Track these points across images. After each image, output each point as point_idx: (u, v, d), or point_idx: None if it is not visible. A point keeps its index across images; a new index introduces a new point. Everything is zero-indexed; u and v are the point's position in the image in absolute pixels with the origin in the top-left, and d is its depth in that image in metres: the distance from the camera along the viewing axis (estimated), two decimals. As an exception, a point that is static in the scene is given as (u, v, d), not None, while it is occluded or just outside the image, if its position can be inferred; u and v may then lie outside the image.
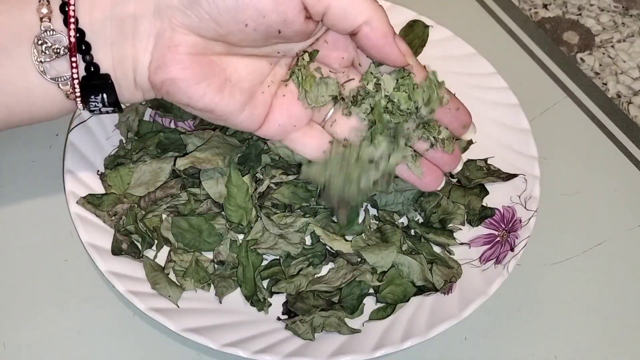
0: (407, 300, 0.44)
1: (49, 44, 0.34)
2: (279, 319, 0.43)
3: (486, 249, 0.47)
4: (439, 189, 0.43)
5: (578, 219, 0.52)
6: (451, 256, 0.46)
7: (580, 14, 0.68)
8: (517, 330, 0.46)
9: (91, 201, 0.45)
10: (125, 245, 0.44)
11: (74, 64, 0.35)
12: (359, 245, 0.45)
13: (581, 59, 0.65)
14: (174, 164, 0.46)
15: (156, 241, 0.45)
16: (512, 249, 0.46)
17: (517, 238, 0.46)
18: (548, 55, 0.62)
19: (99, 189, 0.46)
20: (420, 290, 0.45)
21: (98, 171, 0.47)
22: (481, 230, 0.48)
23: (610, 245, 0.50)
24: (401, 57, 0.38)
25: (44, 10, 0.34)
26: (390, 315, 0.43)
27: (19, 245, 0.46)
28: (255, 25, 0.35)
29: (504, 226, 0.48)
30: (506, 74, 0.55)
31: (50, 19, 0.34)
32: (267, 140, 0.46)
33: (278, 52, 0.39)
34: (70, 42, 0.34)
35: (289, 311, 0.43)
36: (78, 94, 0.36)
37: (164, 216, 0.46)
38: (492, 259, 0.46)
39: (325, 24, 0.37)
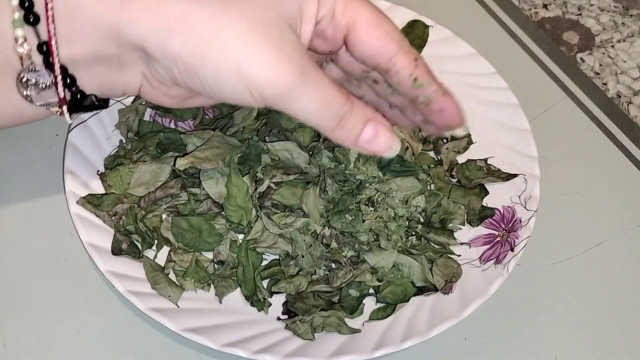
0: (407, 301, 0.44)
1: (33, 81, 0.33)
2: (279, 318, 0.43)
3: (486, 249, 0.47)
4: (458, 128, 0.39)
5: (578, 219, 0.52)
6: (451, 256, 0.46)
7: (580, 14, 0.68)
8: (517, 330, 0.46)
9: (91, 201, 0.45)
10: (125, 245, 0.44)
11: (60, 95, 0.33)
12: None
13: (581, 59, 0.65)
14: (174, 164, 0.46)
15: (156, 241, 0.45)
16: (512, 249, 0.46)
17: (517, 238, 0.46)
18: (548, 55, 0.62)
19: (99, 189, 0.46)
20: (420, 291, 0.45)
21: (98, 171, 0.47)
22: (481, 230, 0.48)
23: (610, 245, 0.50)
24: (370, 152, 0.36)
25: (22, 50, 0.32)
26: (390, 316, 0.43)
27: (19, 245, 0.46)
28: (217, 97, 0.34)
29: (504, 226, 0.48)
30: (506, 74, 0.55)
31: (30, 57, 0.32)
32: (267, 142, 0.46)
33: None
34: (55, 79, 0.33)
35: (289, 311, 0.43)
36: (67, 116, 0.35)
37: (164, 216, 0.46)
38: (492, 259, 0.46)
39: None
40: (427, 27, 0.55)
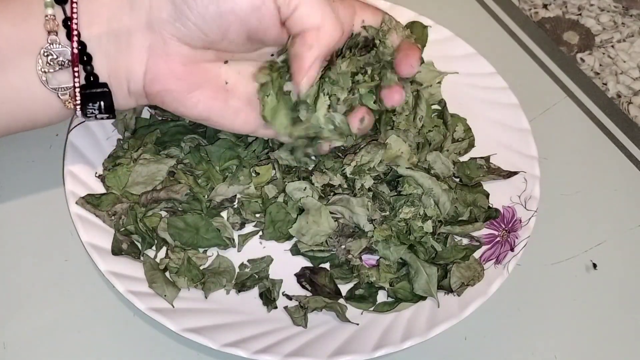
0: (416, 301, 0.44)
1: (54, 56, 0.37)
2: (284, 294, 0.44)
3: (486, 249, 0.47)
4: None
5: (578, 219, 0.52)
6: (477, 258, 0.46)
7: (580, 14, 0.68)
8: (517, 330, 0.46)
9: (90, 201, 0.45)
10: (125, 245, 0.44)
11: (76, 74, 0.37)
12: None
13: (581, 59, 0.65)
14: (173, 165, 0.46)
15: (156, 241, 0.45)
16: (512, 249, 0.46)
17: (517, 238, 0.46)
18: (548, 55, 0.62)
19: (99, 189, 0.46)
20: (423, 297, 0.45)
21: (96, 173, 0.47)
22: (481, 230, 0.48)
23: (610, 245, 0.50)
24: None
25: (51, 25, 0.36)
26: (392, 312, 0.43)
27: (19, 245, 0.46)
28: (237, 33, 0.38)
29: (504, 226, 0.48)
30: (506, 74, 0.55)
31: (57, 33, 0.36)
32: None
33: (272, 55, 0.42)
34: (73, 54, 0.37)
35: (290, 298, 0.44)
36: (78, 102, 0.38)
37: (163, 214, 0.46)
38: (492, 259, 0.46)
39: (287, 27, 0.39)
40: (426, 27, 0.55)
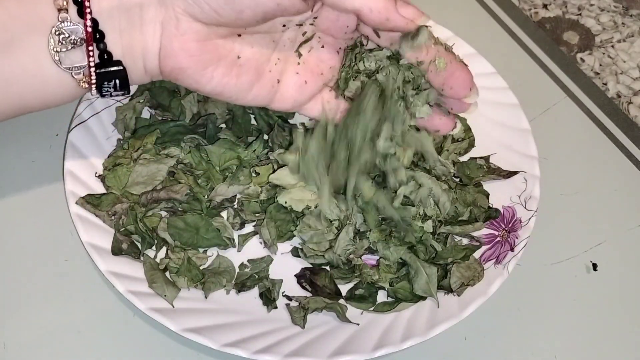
0: (416, 301, 0.44)
1: (66, 35, 0.35)
2: (285, 296, 0.44)
3: (486, 249, 0.47)
4: (454, 131, 0.44)
5: (578, 219, 0.52)
6: (477, 258, 0.46)
7: (580, 14, 0.68)
8: (517, 330, 0.46)
9: (90, 201, 0.45)
10: (125, 245, 0.44)
11: (90, 53, 0.36)
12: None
13: (581, 59, 0.65)
14: (173, 164, 0.46)
15: (156, 241, 0.45)
16: (512, 249, 0.46)
17: (517, 238, 0.46)
18: (548, 55, 0.62)
19: (99, 189, 0.46)
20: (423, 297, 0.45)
21: (96, 173, 0.47)
22: (481, 230, 0.48)
23: (610, 245, 0.50)
24: (408, 24, 0.38)
25: (62, 2, 0.35)
26: (392, 312, 0.43)
27: (19, 245, 0.46)
28: (252, 13, 0.37)
29: (504, 226, 0.48)
30: (506, 74, 0.55)
31: (67, 10, 0.35)
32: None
33: (283, 25, 0.41)
34: (87, 32, 0.36)
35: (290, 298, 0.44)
36: (94, 82, 0.37)
37: (163, 214, 0.46)
38: (492, 259, 0.46)
39: (326, 4, 0.38)
40: (426, 27, 0.55)
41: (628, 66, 0.64)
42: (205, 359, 0.42)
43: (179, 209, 0.46)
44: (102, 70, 0.37)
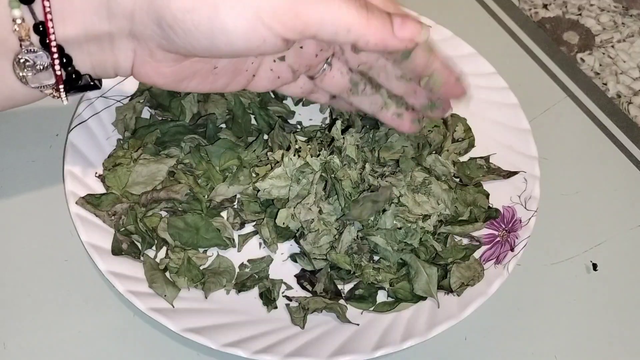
0: (416, 302, 0.44)
1: (31, 62, 0.34)
2: (285, 296, 0.44)
3: (486, 249, 0.47)
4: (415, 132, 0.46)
5: (578, 219, 0.52)
6: (477, 258, 0.46)
7: (580, 14, 0.68)
8: (517, 330, 0.46)
9: (90, 201, 0.45)
10: (125, 245, 0.44)
11: (57, 74, 0.34)
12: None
13: (581, 59, 0.65)
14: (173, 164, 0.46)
15: (156, 241, 0.45)
16: (512, 249, 0.46)
17: (517, 238, 0.46)
18: (548, 55, 0.62)
19: (99, 189, 0.46)
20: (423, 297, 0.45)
21: (96, 173, 0.47)
22: (481, 230, 0.48)
23: (610, 245, 0.50)
24: (408, 44, 0.36)
25: (21, 31, 0.33)
26: (392, 312, 0.43)
27: (19, 246, 0.46)
28: (230, 56, 0.36)
29: (504, 226, 0.48)
30: (506, 74, 0.55)
31: (29, 37, 0.33)
32: None
33: None
34: (53, 58, 0.34)
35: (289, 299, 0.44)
36: (64, 97, 0.36)
37: (163, 214, 0.46)
38: (492, 259, 0.46)
39: (318, 39, 0.35)
40: (426, 27, 0.55)
41: (628, 66, 0.64)
42: (205, 359, 0.42)
43: (179, 209, 0.46)
44: (71, 86, 0.36)
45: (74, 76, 0.35)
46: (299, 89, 0.45)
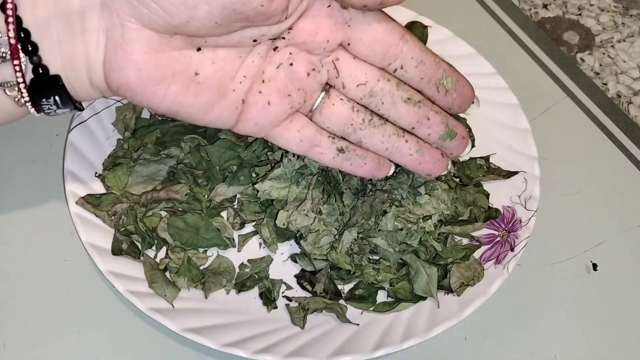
0: (416, 301, 0.44)
1: None
2: (284, 296, 0.44)
3: (486, 249, 0.47)
4: (443, 172, 0.41)
5: (578, 219, 0.52)
6: (477, 258, 0.46)
7: (580, 14, 0.68)
8: (517, 330, 0.46)
9: (90, 201, 0.45)
10: (125, 245, 0.44)
11: (17, 67, 0.31)
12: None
13: (581, 59, 0.65)
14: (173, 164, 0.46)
15: (156, 241, 0.45)
16: (512, 249, 0.46)
17: (517, 238, 0.46)
18: (548, 55, 0.62)
19: (99, 189, 0.46)
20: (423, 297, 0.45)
21: (96, 173, 0.47)
22: (481, 230, 0.48)
23: (610, 245, 0.50)
24: None
25: None
26: (392, 312, 0.43)
27: (19, 246, 0.46)
28: (208, 9, 0.31)
29: (504, 226, 0.48)
30: (506, 74, 0.55)
31: None
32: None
33: (254, 40, 0.35)
34: (10, 44, 0.31)
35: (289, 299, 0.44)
36: (27, 99, 0.33)
37: (163, 214, 0.46)
38: (492, 259, 0.46)
39: None
40: (426, 27, 0.55)
41: (628, 66, 0.64)
42: (205, 359, 0.42)
43: (179, 209, 0.46)
44: (34, 85, 0.32)
45: (40, 70, 0.32)
46: (296, 133, 0.38)
